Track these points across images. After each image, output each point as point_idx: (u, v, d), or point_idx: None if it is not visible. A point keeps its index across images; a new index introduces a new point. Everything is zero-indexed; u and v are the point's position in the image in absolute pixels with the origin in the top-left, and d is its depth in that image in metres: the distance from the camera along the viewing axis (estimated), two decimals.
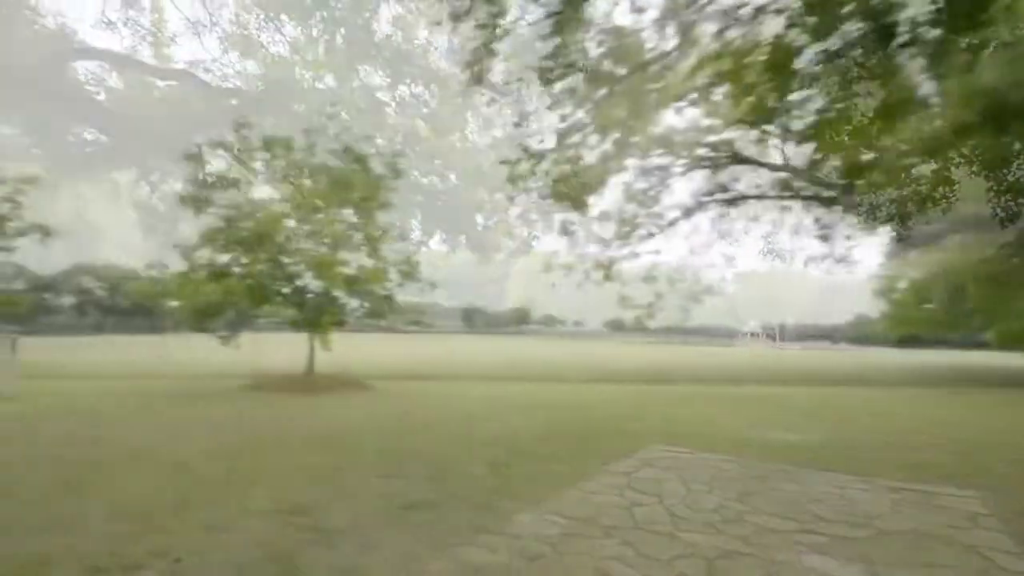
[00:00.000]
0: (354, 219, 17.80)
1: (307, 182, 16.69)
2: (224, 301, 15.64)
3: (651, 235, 18.51)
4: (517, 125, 9.39)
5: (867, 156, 12.31)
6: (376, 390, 18.24)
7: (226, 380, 20.27)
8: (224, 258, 17.17)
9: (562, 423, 11.21)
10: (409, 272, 18.71)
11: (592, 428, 10.55)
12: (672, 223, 18.26)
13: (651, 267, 18.88)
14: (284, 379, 18.84)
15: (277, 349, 21.99)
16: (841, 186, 14.61)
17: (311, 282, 17.60)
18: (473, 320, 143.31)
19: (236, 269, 16.76)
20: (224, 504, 5.51)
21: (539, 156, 10.51)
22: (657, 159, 16.86)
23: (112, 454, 7.76)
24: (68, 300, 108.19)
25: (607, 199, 17.46)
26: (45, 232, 20.83)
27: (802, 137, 13.64)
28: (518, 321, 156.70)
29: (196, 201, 16.03)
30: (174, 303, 16.75)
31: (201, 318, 16.57)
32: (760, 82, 10.51)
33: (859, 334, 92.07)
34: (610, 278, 18.68)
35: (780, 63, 9.46)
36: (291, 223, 16.49)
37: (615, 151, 10.40)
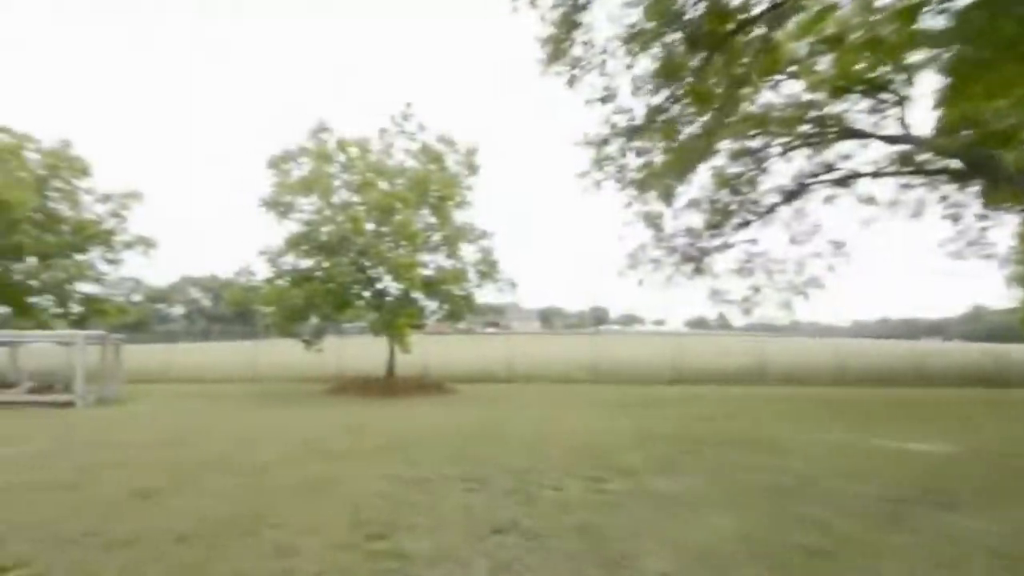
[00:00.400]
0: (432, 219, 17.48)
1: (384, 184, 16.52)
2: (307, 305, 15.71)
3: (746, 223, 16.93)
4: (604, 101, 8.42)
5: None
6: (457, 393, 17.85)
7: (310, 384, 20.66)
8: (307, 263, 17.40)
9: (654, 428, 10.18)
10: (488, 272, 18.18)
11: (696, 433, 9.46)
12: (771, 209, 16.58)
13: (747, 258, 17.25)
14: (366, 382, 18.87)
15: (359, 352, 22.16)
16: (976, 156, 12.55)
17: (390, 285, 17.46)
18: (551, 320, 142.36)
19: (318, 273, 16.87)
20: (292, 519, 5.01)
21: (629, 132, 9.46)
22: (753, 140, 15.34)
23: (195, 458, 7.59)
24: (178, 310, 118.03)
25: (697, 186, 16.04)
26: (148, 244, 22.12)
27: (930, 101, 11.79)
28: (596, 321, 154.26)
29: (278, 206, 16.24)
30: (263, 309, 17.09)
31: (287, 323, 16.79)
32: (881, 38, 9.01)
33: (976, 328, 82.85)
34: (702, 271, 17.27)
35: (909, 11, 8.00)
36: (370, 226, 16.35)
37: (708, 129, 9.18)
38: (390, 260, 15.13)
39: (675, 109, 8.25)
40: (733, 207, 16.24)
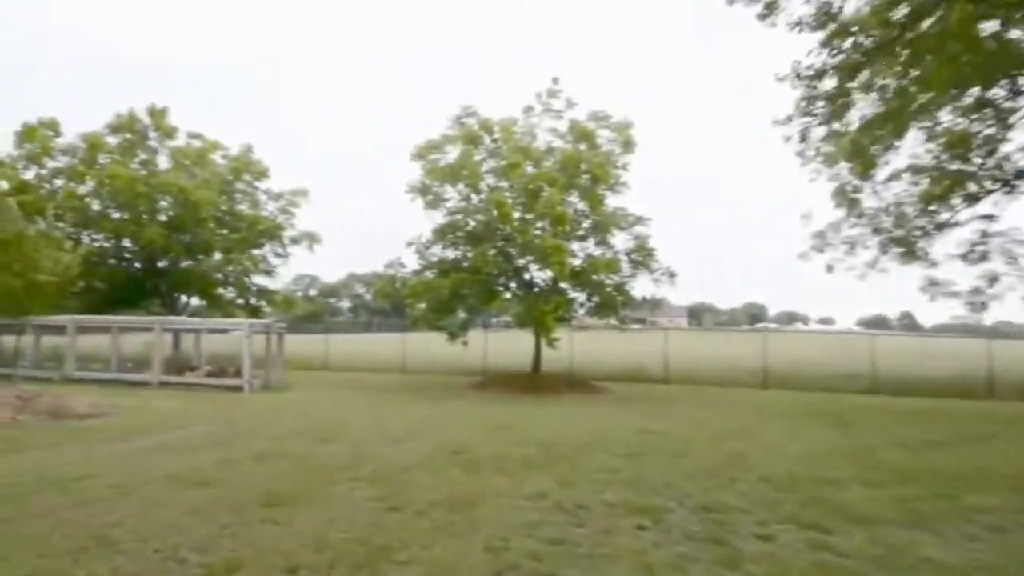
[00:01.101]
0: (581, 205, 16.11)
1: (529, 168, 15.47)
2: (454, 297, 15.19)
3: (980, 195, 13.28)
4: (821, 23, 6.37)
5: None
6: (607, 393, 16.35)
7: (455, 377, 20.44)
8: (454, 254, 17.00)
9: (874, 454, 7.83)
10: (642, 261, 16.40)
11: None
12: (1019, 176, 12.79)
13: (980, 239, 13.60)
14: (511, 377, 18.08)
15: (502, 347, 21.54)
16: None
17: (537, 275, 16.45)
18: (700, 317, 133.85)
19: (464, 264, 16.34)
20: (421, 554, 3.93)
21: (859, 61, 7.21)
22: (996, 87, 11.83)
23: (337, 457, 7.00)
24: (346, 304, 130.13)
25: (907, 149, 12.81)
26: (313, 240, 23.45)
27: None
28: (752, 318, 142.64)
29: (426, 194, 15.91)
30: (411, 301, 16.99)
31: (434, 315, 16.51)
32: None
33: None
34: (915, 256, 13.93)
35: None
36: (516, 213, 15.41)
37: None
38: (537, 246, 14.01)
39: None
40: (965, 175, 12.79)
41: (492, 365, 21.15)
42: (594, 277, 16.17)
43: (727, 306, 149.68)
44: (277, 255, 22.54)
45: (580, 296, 16.96)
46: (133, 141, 20.68)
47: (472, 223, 16.18)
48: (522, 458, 7.28)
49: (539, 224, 15.17)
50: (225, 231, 21.49)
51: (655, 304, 16.44)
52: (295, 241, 22.79)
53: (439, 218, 16.62)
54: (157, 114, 20.81)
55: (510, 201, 14.58)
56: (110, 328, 16.17)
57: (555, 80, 15.76)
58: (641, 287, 16.76)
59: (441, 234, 16.09)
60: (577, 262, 15.92)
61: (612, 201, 16.46)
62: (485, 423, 10.15)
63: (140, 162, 20.70)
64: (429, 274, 16.77)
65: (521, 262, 16.17)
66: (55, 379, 15.27)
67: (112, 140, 20.55)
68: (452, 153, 16.25)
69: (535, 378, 17.13)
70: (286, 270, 23.36)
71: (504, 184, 15.12)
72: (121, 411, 10.10)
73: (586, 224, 16.21)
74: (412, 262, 17.59)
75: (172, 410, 10.68)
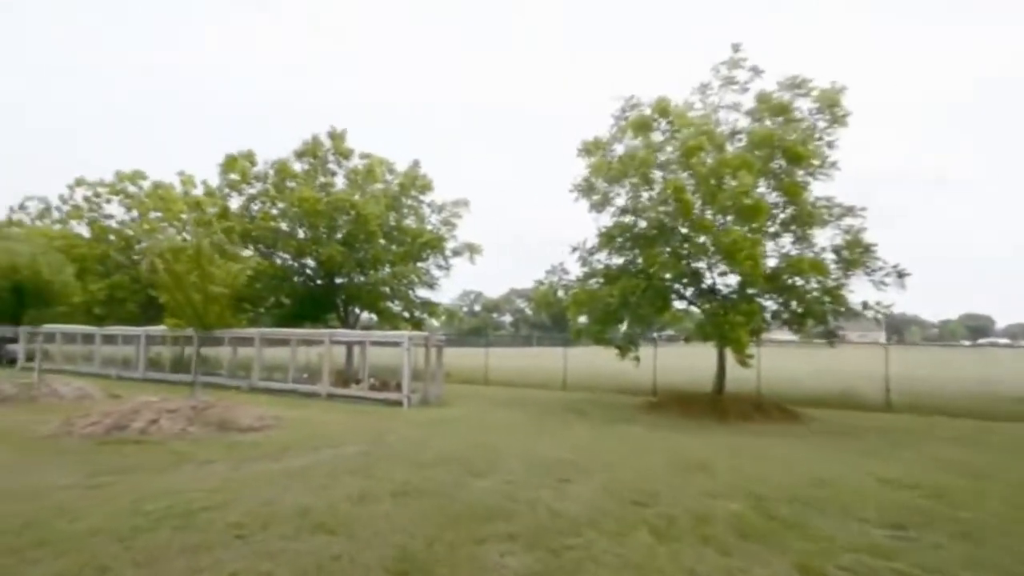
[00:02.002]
0: (775, 195, 13.40)
1: (708, 157, 13.18)
2: (622, 306, 13.37)
3: None
4: None
5: None
6: (808, 421, 13.30)
7: (620, 395, 18.45)
8: (620, 261, 15.27)
9: None
10: (857, 260, 13.15)
11: None
12: None
13: None
14: (688, 398, 15.67)
15: (674, 362, 19.13)
16: None
17: (719, 279, 14.01)
18: (902, 331, 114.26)
19: (633, 269, 14.49)
20: None
21: None
22: None
23: (490, 498, 5.66)
24: (507, 318, 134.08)
25: None
26: (474, 251, 23.17)
27: None
28: (973, 333, 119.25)
29: (591, 193, 14.37)
30: (574, 312, 15.52)
31: (600, 327, 14.87)
32: None
33: None
34: None
35: None
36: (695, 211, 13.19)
37: None
38: (723, 244, 11.65)
39: None
40: None
41: (661, 383, 18.88)
42: (790, 281, 13.32)
43: (938, 317, 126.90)
44: (439, 267, 22.60)
45: (771, 304, 14.13)
46: (315, 165, 22.10)
47: (643, 223, 14.29)
48: (732, 519, 5.31)
49: (720, 218, 12.81)
50: (393, 245, 22.04)
51: (885, 311, 12.96)
52: (456, 253, 22.68)
53: (606, 220, 15.00)
54: (337, 137, 22.02)
55: (690, 190, 12.36)
56: (289, 340, 16.97)
57: (736, 47, 13.33)
58: (860, 291, 13.45)
59: (608, 237, 14.38)
60: (771, 263, 13.23)
61: (816, 187, 13.51)
62: (669, 458, 8.20)
63: (320, 185, 22.04)
64: (594, 282, 15.19)
65: (699, 265, 13.87)
66: (243, 388, 16.32)
67: (298, 166, 22.16)
68: (619, 149, 14.55)
69: (718, 401, 14.59)
70: (451, 284, 23.46)
71: (683, 175, 12.91)
72: (283, 424, 9.92)
73: (782, 216, 13.43)
74: (575, 269, 16.16)
75: (330, 425, 10.32)
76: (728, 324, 11.64)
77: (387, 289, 22.04)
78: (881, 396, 16.68)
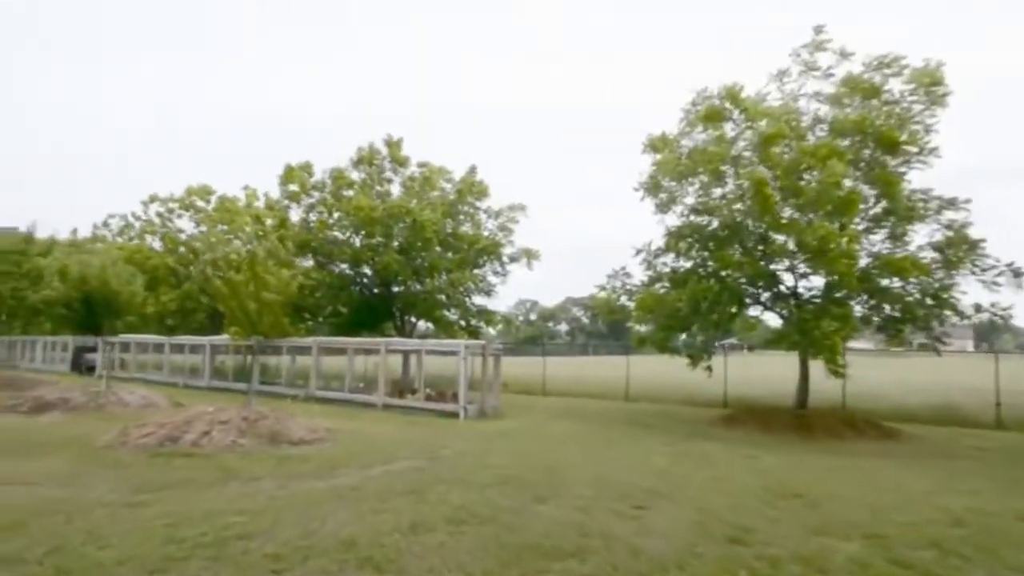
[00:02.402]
0: (865, 188, 12.05)
1: (785, 150, 11.98)
2: (692, 313, 12.34)
3: None
4: None
5: None
6: (910, 440, 11.83)
7: (689, 407, 17.24)
8: (690, 262, 14.26)
9: None
10: (961, 258, 11.64)
11: None
12: None
13: None
14: (766, 412, 14.36)
15: (746, 372, 17.76)
16: None
17: (801, 282, 12.75)
18: (991, 338, 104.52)
19: (702, 271, 13.44)
20: None
21: None
22: None
23: (558, 529, 4.93)
24: (563, 327, 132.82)
25: None
26: (532, 256, 22.48)
27: None
28: None
29: (658, 191, 13.42)
30: (638, 318, 14.56)
31: (666, 333, 13.88)
32: None
33: None
34: None
35: None
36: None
37: None
38: (809, 242, 10.46)
39: None
40: None
41: (733, 395, 17.56)
42: (884, 282, 11.93)
43: None
44: (496, 273, 22.11)
45: (858, 308, 12.71)
46: (371, 173, 22.09)
47: (715, 222, 13.24)
48: (853, 566, 4.36)
49: (804, 215, 11.58)
50: (449, 253, 21.73)
51: (1000, 314, 11.37)
52: (513, 259, 22.13)
53: (672, 221, 14.03)
54: (393, 145, 21.94)
55: (769, 180, 11.18)
56: (346, 349, 16.78)
57: (818, 29, 12.10)
58: (970, 291, 11.89)
59: (676, 238, 13.38)
60: (859, 263, 11.89)
61: (914, 177, 12.09)
62: (758, 483, 7.21)
63: (377, 193, 22.01)
64: (659, 287, 14.21)
65: (777, 266, 12.66)
66: (301, 397, 16.20)
67: (355, 175, 22.20)
68: (688, 145, 13.54)
69: (801, 415, 13.27)
70: (507, 292, 22.87)
71: (760, 169, 11.75)
72: (336, 437, 9.52)
73: (873, 211, 12.08)
74: (639, 274, 15.22)
75: (384, 438, 9.85)
76: (819, 330, 10.39)
77: (443, 297, 21.72)
78: (989, 412, 14.81)
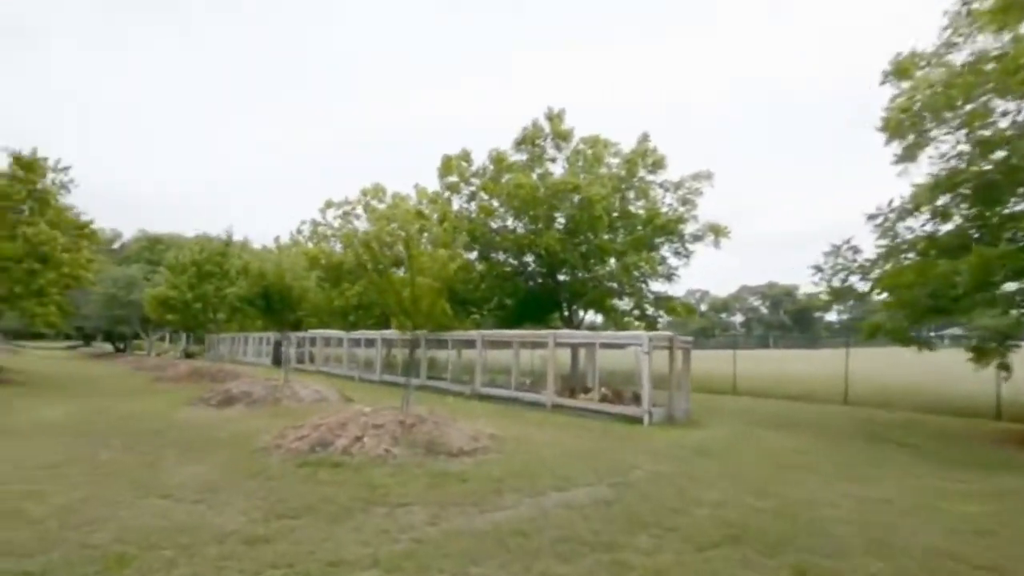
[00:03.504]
0: None
1: None
2: (973, 288, 8.76)
3: None
4: None
5: None
6: None
7: (952, 419, 13.04)
8: (947, 226, 10.59)
9: None
10: None
11: None
12: None
13: None
14: None
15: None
16: None
17: None
18: None
19: (972, 232, 9.74)
20: None
21: None
22: None
23: None
24: (738, 318, 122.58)
25: None
26: (720, 232, 19.13)
27: None
28: None
29: (901, 132, 10.00)
30: (893, 302, 11.16)
31: (911, 320, 10.41)
32: None
33: None
34: None
35: None
36: None
37: None
38: None
39: None
40: None
41: (1014, 402, 13.08)
42: None
43: None
44: (677, 254, 19.31)
45: None
46: (533, 153, 20.60)
47: (988, 167, 9.51)
48: None
49: None
50: (619, 235, 19.53)
51: None
52: (697, 237, 19.14)
53: (923, 171, 10.47)
54: (555, 119, 20.22)
55: None
56: (511, 343, 15.53)
57: None
58: None
59: (932, 191, 9.83)
60: None
61: None
62: None
63: (538, 175, 20.54)
64: (903, 259, 10.75)
65: None
66: (466, 394, 15.29)
67: (517, 157, 20.87)
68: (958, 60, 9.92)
69: None
70: (687, 274, 20.00)
71: None
72: (501, 446, 8.02)
73: None
74: (868, 248, 11.80)
75: (557, 449, 8.12)
76: None
77: (614, 284, 19.59)
78: None
